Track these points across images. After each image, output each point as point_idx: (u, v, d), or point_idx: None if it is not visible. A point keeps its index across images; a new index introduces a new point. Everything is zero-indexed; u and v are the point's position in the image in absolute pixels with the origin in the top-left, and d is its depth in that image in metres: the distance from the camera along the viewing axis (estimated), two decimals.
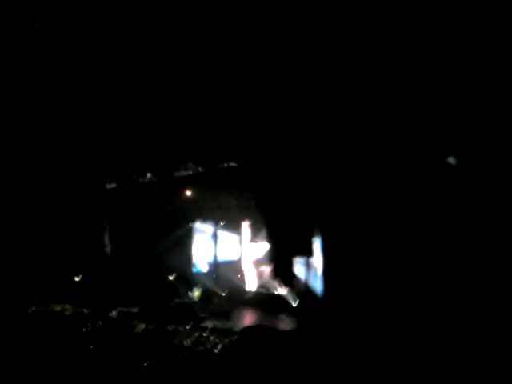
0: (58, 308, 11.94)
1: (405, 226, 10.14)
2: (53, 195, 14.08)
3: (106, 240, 15.22)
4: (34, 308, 11.80)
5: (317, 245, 11.86)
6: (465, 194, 9.56)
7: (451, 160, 9.75)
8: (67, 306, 12.10)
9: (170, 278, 14.42)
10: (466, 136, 9.60)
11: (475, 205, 9.45)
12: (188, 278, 14.34)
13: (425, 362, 7.47)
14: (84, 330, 9.96)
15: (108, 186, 14.80)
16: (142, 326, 10.22)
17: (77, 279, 14.41)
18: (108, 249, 15.16)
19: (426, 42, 8.96)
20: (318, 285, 11.61)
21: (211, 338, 9.67)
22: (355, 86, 9.95)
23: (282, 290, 12.61)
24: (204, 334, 9.80)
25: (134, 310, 12.29)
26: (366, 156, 10.63)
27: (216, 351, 8.90)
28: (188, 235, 14.91)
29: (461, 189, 9.62)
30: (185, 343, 9.34)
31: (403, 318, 9.19)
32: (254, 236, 13.90)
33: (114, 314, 11.50)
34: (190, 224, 14.82)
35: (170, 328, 10.09)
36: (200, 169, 13.76)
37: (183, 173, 14.05)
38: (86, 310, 11.79)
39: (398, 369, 7.36)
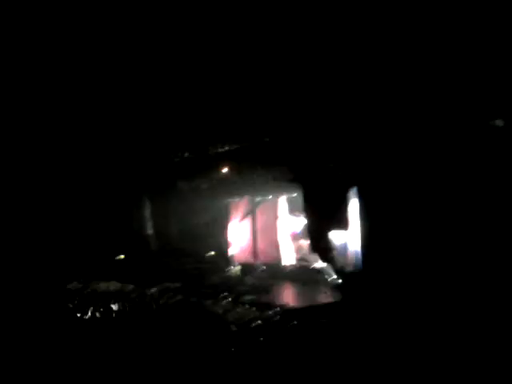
0: (101, 285, 12.29)
1: (452, 197, 9.79)
2: (93, 174, 14.34)
3: (147, 217, 15.41)
4: (75, 285, 12.19)
5: (355, 218, 11.69)
6: None
7: (498, 122, 9.34)
8: (112, 283, 12.43)
9: (211, 253, 14.56)
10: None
11: None
12: (228, 255, 14.45)
13: None
14: (126, 303, 10.22)
15: (146, 164, 14.90)
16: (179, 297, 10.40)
17: (121, 257, 14.71)
18: (149, 225, 15.36)
19: None
20: (357, 258, 11.50)
21: (251, 311, 9.75)
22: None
23: (320, 264, 12.56)
24: (243, 308, 9.88)
25: (176, 285, 12.52)
26: (407, 120, 10.29)
27: (254, 325, 8.96)
28: (226, 211, 14.98)
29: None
30: (228, 316, 9.44)
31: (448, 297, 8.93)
32: (292, 210, 13.86)
33: (154, 290, 11.73)
34: (228, 200, 14.88)
35: (208, 302, 10.23)
36: (235, 145, 13.74)
37: (219, 149, 14.05)
38: (129, 287, 12.10)
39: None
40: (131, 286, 12.00)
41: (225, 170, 14.59)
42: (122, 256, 14.75)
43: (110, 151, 14.07)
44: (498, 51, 8.72)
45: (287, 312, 9.74)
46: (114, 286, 12.23)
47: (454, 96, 9.55)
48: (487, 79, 9.11)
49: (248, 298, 10.89)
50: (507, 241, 8.60)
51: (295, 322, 9.00)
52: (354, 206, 11.44)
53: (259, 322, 9.19)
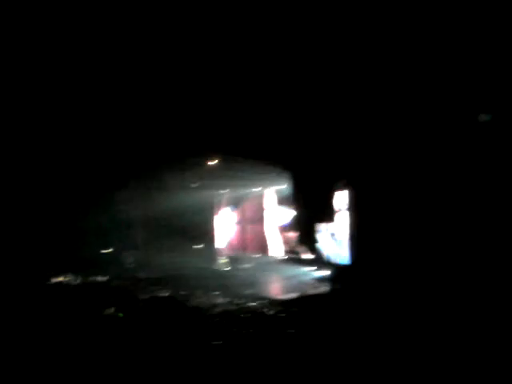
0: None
1: (439, 191, 9.82)
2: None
3: (132, 212, 15.29)
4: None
5: (342, 211, 11.71)
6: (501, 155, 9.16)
7: (484, 117, 9.39)
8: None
9: (199, 246, 14.51)
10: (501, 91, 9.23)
11: None
12: (214, 247, 14.43)
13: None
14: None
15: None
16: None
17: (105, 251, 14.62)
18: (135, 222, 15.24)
19: None
20: (343, 249, 11.53)
21: (239, 303, 9.72)
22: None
23: (309, 255, 12.57)
24: (230, 300, 9.84)
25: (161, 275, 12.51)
26: (394, 113, 10.31)
27: (243, 316, 8.91)
28: (213, 203, 14.93)
29: (496, 149, 9.25)
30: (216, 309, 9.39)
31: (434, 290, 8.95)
32: (280, 202, 13.83)
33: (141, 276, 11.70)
34: (215, 192, 14.82)
35: (196, 294, 10.18)
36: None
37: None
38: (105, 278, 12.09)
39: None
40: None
41: (211, 163, 14.53)
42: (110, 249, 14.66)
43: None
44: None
45: (275, 303, 9.71)
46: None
47: (437, 92, 9.62)
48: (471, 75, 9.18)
49: (235, 289, 10.85)
50: (490, 233, 8.74)
51: (283, 314, 8.98)
52: (343, 198, 11.48)
53: (247, 314, 9.14)
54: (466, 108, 9.53)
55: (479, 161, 9.25)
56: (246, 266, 13.57)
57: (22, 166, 13.53)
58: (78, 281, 12.43)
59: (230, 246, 14.39)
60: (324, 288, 10.86)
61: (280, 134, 12.19)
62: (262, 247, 13.82)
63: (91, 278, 12.53)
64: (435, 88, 9.63)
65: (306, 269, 12.38)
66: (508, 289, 8.15)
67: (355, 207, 11.24)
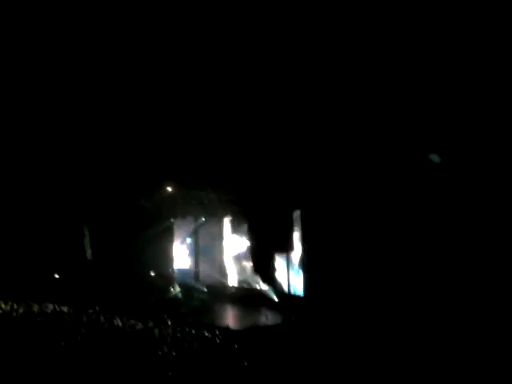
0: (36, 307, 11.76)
1: (386, 223, 10.11)
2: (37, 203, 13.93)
3: (87, 244, 14.97)
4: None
5: (297, 241, 11.83)
6: (448, 191, 9.54)
7: (434, 158, 9.76)
8: (47, 304, 11.92)
9: (151, 274, 14.29)
10: (450, 134, 9.61)
11: (460, 203, 9.42)
12: (168, 275, 14.23)
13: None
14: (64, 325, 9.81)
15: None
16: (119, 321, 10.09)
17: (57, 276, 14.20)
18: (88, 252, 14.91)
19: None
20: (298, 280, 11.60)
21: (193, 333, 9.58)
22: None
23: (263, 286, 12.57)
24: (183, 331, 9.69)
25: (115, 307, 12.16)
26: (346, 150, 10.59)
27: (196, 346, 8.80)
28: (168, 232, 14.80)
29: (444, 187, 9.61)
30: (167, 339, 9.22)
31: (385, 315, 9.15)
32: (235, 231, 13.84)
33: (94, 311, 11.35)
34: (170, 221, 14.71)
35: (150, 324, 9.97)
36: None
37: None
38: (65, 309, 11.64)
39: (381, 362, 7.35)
40: (66, 308, 11.58)
41: (168, 190, 14.44)
42: (58, 276, 14.25)
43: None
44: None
45: (228, 334, 9.64)
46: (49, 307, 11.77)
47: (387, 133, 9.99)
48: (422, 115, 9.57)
49: (188, 319, 10.70)
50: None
51: (236, 346, 8.92)
52: (297, 231, 11.62)
53: (199, 343, 9.02)
54: (416, 147, 9.90)
55: (424, 195, 9.64)
56: (201, 294, 13.46)
57: None
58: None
59: (184, 274, 14.26)
60: (277, 319, 10.87)
61: (234, 165, 12.27)
62: (217, 276, 13.76)
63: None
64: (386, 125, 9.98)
65: (262, 299, 12.35)
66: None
67: (308, 240, 11.37)
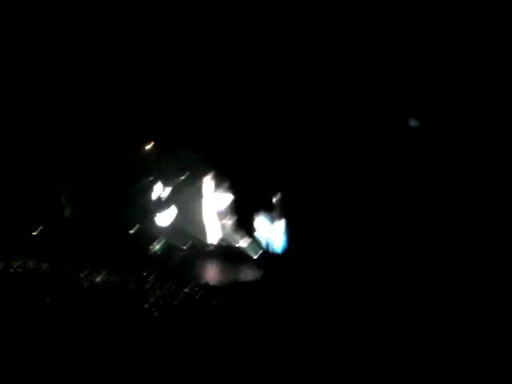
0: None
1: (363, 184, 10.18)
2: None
3: (65, 201, 14.83)
4: None
5: (278, 199, 11.86)
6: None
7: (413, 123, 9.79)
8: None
9: (131, 232, 14.25)
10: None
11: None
12: (148, 232, 14.20)
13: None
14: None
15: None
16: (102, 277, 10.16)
17: (34, 233, 14.11)
18: (67, 209, 14.79)
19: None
20: (278, 237, 11.70)
21: (172, 289, 9.66)
22: None
23: (243, 243, 12.65)
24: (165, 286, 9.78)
25: (95, 263, 12.19)
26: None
27: (176, 303, 8.90)
28: (148, 188, 14.68)
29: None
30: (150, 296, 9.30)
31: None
32: (217, 188, 13.79)
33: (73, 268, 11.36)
34: (151, 177, 14.56)
35: (130, 280, 10.05)
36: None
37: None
38: (44, 265, 11.62)
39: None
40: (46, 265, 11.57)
41: (148, 146, 14.29)
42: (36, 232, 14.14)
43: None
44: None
45: (209, 289, 9.76)
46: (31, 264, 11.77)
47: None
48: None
49: (170, 275, 10.78)
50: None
51: (216, 301, 9.03)
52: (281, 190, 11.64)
53: (180, 300, 9.12)
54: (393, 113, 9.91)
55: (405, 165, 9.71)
56: (181, 251, 13.51)
57: None
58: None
59: (167, 230, 14.24)
60: (256, 275, 11.01)
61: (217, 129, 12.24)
62: (199, 233, 13.77)
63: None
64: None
65: (243, 257, 12.45)
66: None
67: (289, 197, 11.42)
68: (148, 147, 13.99)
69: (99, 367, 6.53)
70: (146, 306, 8.70)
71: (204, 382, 6.35)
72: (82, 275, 10.62)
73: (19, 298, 8.80)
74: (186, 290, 9.57)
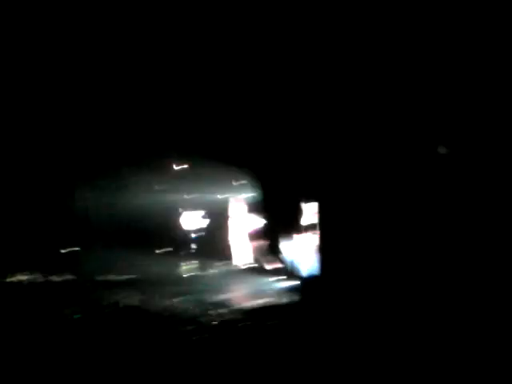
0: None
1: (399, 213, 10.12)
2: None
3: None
4: None
5: (311, 222, 11.81)
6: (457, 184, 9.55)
7: (442, 149, 9.78)
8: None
9: (164, 250, 14.23)
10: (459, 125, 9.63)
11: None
12: (179, 252, 14.19)
13: None
14: None
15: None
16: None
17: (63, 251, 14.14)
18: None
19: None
20: (311, 261, 11.61)
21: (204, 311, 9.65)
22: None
23: (276, 265, 12.59)
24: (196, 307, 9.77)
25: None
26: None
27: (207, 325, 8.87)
28: (176, 207, 14.72)
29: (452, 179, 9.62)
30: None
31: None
32: (249, 210, 13.76)
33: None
34: (182, 197, 14.61)
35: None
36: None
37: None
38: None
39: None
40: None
41: (178, 167, 14.36)
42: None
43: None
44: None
45: (240, 312, 9.72)
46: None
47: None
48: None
49: (202, 296, 10.74)
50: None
51: (248, 323, 8.99)
52: (311, 210, 11.56)
53: (214, 322, 9.08)
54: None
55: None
56: (211, 272, 13.45)
57: None
58: (35, 280, 12.05)
59: (197, 251, 14.22)
60: (290, 298, 10.89)
61: (251, 143, 12.25)
62: (228, 255, 13.73)
63: (49, 278, 12.17)
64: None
65: (272, 279, 12.35)
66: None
67: (323, 219, 11.37)
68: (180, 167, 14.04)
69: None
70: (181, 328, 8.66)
71: None
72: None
73: None
74: (219, 311, 9.54)
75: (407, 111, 10.20)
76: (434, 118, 9.98)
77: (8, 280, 11.88)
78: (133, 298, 10.77)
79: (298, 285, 11.51)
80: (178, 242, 14.49)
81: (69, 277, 12.34)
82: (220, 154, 12.92)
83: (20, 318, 8.77)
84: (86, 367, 6.89)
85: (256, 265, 13.21)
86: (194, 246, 14.40)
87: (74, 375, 6.64)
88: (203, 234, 14.39)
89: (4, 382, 6.33)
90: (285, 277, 12.15)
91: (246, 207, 13.82)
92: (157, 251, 14.08)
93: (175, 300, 10.57)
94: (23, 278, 12.01)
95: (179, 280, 12.82)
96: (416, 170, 10.22)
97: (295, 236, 12.13)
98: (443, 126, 9.92)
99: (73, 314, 9.46)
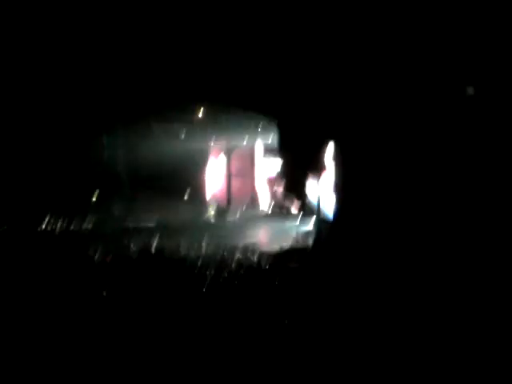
0: None
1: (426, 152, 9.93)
2: None
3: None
4: None
5: (330, 160, 11.66)
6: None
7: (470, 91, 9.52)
8: None
9: (187, 195, 14.52)
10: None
11: None
12: (202, 198, 14.47)
13: None
14: None
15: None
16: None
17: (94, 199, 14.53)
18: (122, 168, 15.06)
19: None
20: (330, 204, 11.62)
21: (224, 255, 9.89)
22: None
23: (295, 209, 12.70)
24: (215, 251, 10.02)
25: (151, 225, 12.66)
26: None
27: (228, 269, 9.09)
28: (203, 155, 14.90)
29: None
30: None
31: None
32: (268, 154, 13.80)
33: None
34: (204, 143, 14.75)
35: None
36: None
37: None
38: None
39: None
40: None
41: (202, 112, 14.39)
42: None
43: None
44: None
45: (262, 256, 9.90)
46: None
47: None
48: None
49: (221, 241, 11.01)
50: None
51: (267, 267, 9.17)
52: (330, 153, 11.43)
53: (236, 266, 9.30)
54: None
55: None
56: (233, 218, 13.73)
57: None
58: (65, 227, 12.53)
59: (218, 198, 14.48)
60: (308, 242, 11.09)
61: (269, 85, 12.12)
62: (250, 200, 13.93)
63: (77, 225, 12.64)
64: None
65: (294, 222, 12.54)
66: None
67: (342, 161, 11.20)
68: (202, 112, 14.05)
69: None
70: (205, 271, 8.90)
71: None
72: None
73: None
74: (240, 256, 9.79)
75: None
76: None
77: (40, 227, 12.39)
78: (161, 243, 11.08)
79: (318, 228, 11.64)
80: (204, 189, 14.80)
81: (99, 223, 12.79)
82: (243, 100, 12.87)
83: (52, 264, 9.04)
84: (119, 309, 7.12)
85: (277, 209, 13.43)
86: (218, 191, 14.68)
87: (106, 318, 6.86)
88: (228, 180, 14.62)
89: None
90: (305, 221, 12.31)
91: (268, 152, 13.89)
92: (184, 198, 14.45)
93: (204, 244, 10.85)
94: (54, 225, 12.51)
95: (206, 226, 13.16)
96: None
97: (317, 178, 12.05)
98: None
99: (104, 259, 9.77)
